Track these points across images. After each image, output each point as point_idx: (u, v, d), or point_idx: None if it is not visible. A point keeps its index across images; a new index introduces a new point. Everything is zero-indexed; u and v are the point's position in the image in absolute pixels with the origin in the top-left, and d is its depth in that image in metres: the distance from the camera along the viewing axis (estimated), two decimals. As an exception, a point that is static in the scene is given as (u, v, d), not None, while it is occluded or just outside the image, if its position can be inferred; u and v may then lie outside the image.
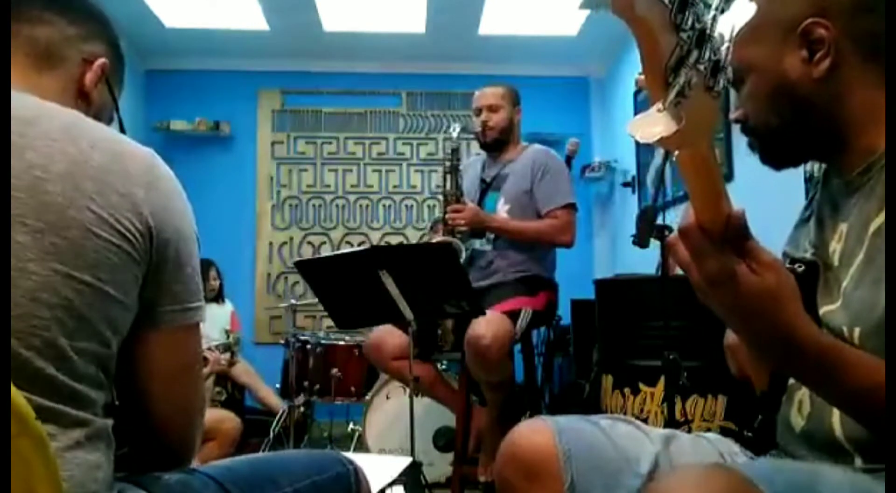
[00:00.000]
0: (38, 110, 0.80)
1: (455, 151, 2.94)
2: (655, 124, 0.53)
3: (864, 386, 0.70)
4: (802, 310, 0.70)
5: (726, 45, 0.55)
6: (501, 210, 2.91)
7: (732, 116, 1.01)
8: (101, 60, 0.97)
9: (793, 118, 0.92)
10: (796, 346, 0.69)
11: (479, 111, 2.98)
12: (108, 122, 1.01)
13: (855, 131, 0.90)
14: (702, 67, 0.54)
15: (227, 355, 3.68)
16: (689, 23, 0.52)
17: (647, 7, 0.50)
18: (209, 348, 3.50)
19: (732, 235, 0.66)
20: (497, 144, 2.98)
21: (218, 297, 4.15)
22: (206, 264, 4.02)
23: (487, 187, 2.98)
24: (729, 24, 0.56)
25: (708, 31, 0.53)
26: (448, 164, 2.94)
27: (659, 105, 0.53)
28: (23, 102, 0.80)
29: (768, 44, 0.92)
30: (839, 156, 0.94)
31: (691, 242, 0.66)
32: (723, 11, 0.54)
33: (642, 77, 0.54)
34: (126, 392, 0.86)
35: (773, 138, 0.96)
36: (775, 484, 0.70)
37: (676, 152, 0.60)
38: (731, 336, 1.16)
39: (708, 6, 0.53)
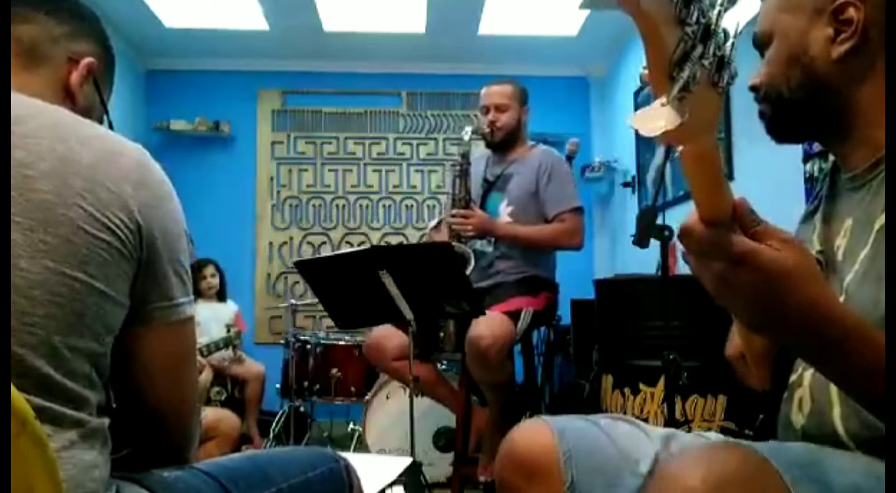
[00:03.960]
0: (26, 109, 0.80)
1: (465, 154, 2.87)
2: (658, 118, 0.52)
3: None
4: (828, 285, 0.67)
5: (731, 41, 0.55)
6: (504, 212, 2.89)
7: (750, 82, 0.99)
8: (88, 60, 0.96)
9: (802, 92, 0.92)
10: (827, 319, 0.66)
11: (486, 110, 2.93)
12: (99, 122, 1.01)
13: (863, 121, 0.90)
14: (707, 63, 0.53)
15: (230, 351, 3.70)
16: (694, 18, 0.52)
17: (652, 1, 0.50)
18: (207, 348, 3.51)
19: (742, 222, 0.64)
20: (504, 143, 2.95)
21: (220, 295, 4.16)
22: (203, 263, 4.03)
23: (490, 187, 2.95)
24: (734, 20, 0.55)
25: (713, 27, 0.53)
26: (458, 167, 2.88)
27: (662, 99, 0.52)
28: (12, 101, 0.80)
29: (801, 13, 0.91)
30: (846, 146, 0.94)
31: (696, 237, 0.64)
32: (731, 4, 0.54)
33: (646, 72, 0.54)
34: (122, 391, 0.86)
35: (781, 108, 0.95)
36: (783, 461, 0.70)
37: (680, 148, 0.60)
38: (731, 347, 1.17)
39: (713, 2, 0.53)
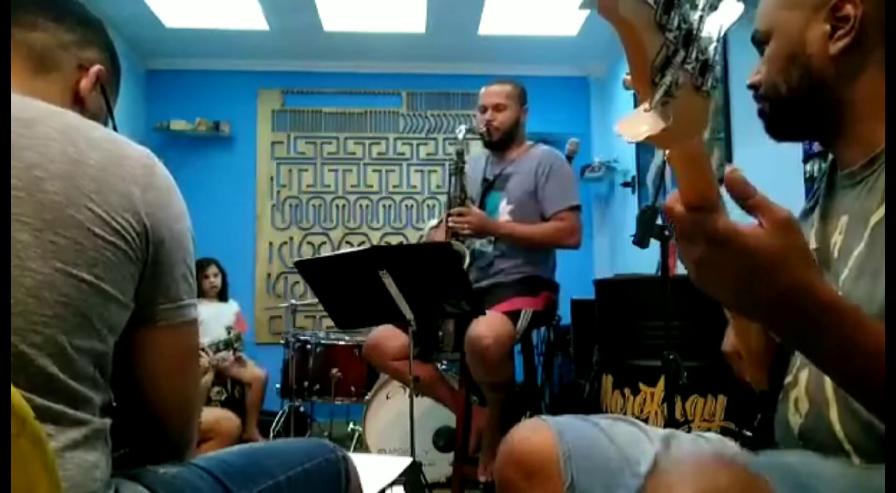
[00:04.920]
0: (36, 112, 0.81)
1: (460, 153, 2.88)
2: (642, 124, 0.53)
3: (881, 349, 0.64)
4: (817, 269, 0.65)
5: (714, 44, 0.55)
6: (504, 211, 2.88)
7: (748, 80, 0.99)
8: (97, 67, 0.98)
9: (800, 90, 0.92)
10: (814, 305, 0.64)
11: (484, 109, 2.93)
12: (104, 126, 1.02)
13: (860, 117, 0.90)
14: (690, 67, 0.54)
15: (230, 353, 3.70)
16: (675, 23, 0.52)
17: (631, 8, 0.50)
18: (207, 348, 3.50)
19: (734, 192, 0.62)
20: (502, 143, 2.94)
21: (221, 295, 4.16)
22: (206, 262, 4.03)
23: (490, 186, 2.94)
24: (717, 24, 0.55)
25: (695, 32, 0.53)
26: (453, 166, 2.89)
27: (645, 105, 0.53)
28: (21, 104, 0.80)
29: (799, 10, 0.91)
30: (842, 143, 0.94)
31: (677, 217, 0.63)
32: (712, 9, 0.54)
33: (629, 77, 0.54)
34: (123, 390, 0.87)
35: (779, 106, 0.95)
36: (776, 476, 0.70)
37: (667, 151, 0.60)
38: (728, 342, 1.16)
39: (694, 7, 0.53)
